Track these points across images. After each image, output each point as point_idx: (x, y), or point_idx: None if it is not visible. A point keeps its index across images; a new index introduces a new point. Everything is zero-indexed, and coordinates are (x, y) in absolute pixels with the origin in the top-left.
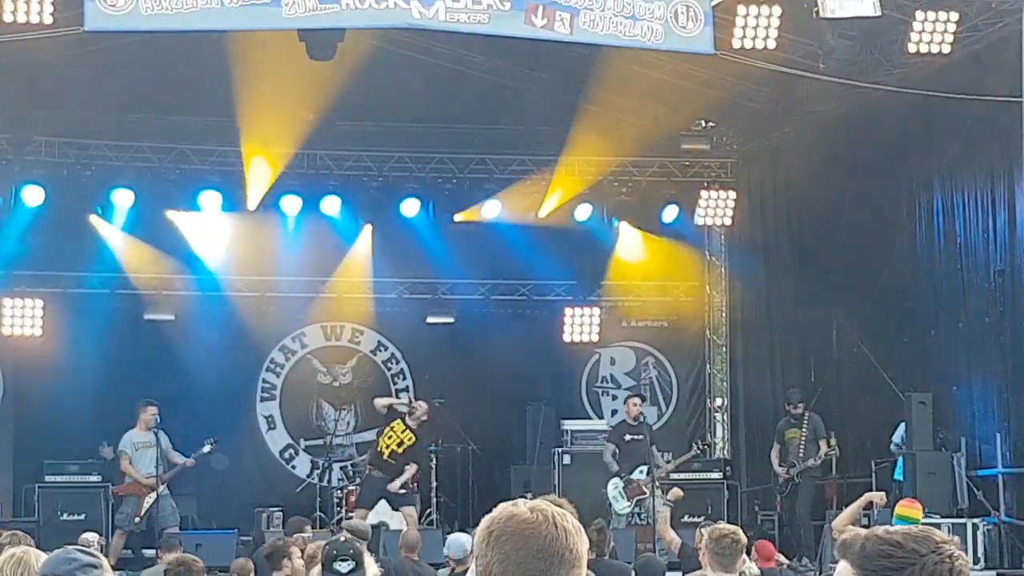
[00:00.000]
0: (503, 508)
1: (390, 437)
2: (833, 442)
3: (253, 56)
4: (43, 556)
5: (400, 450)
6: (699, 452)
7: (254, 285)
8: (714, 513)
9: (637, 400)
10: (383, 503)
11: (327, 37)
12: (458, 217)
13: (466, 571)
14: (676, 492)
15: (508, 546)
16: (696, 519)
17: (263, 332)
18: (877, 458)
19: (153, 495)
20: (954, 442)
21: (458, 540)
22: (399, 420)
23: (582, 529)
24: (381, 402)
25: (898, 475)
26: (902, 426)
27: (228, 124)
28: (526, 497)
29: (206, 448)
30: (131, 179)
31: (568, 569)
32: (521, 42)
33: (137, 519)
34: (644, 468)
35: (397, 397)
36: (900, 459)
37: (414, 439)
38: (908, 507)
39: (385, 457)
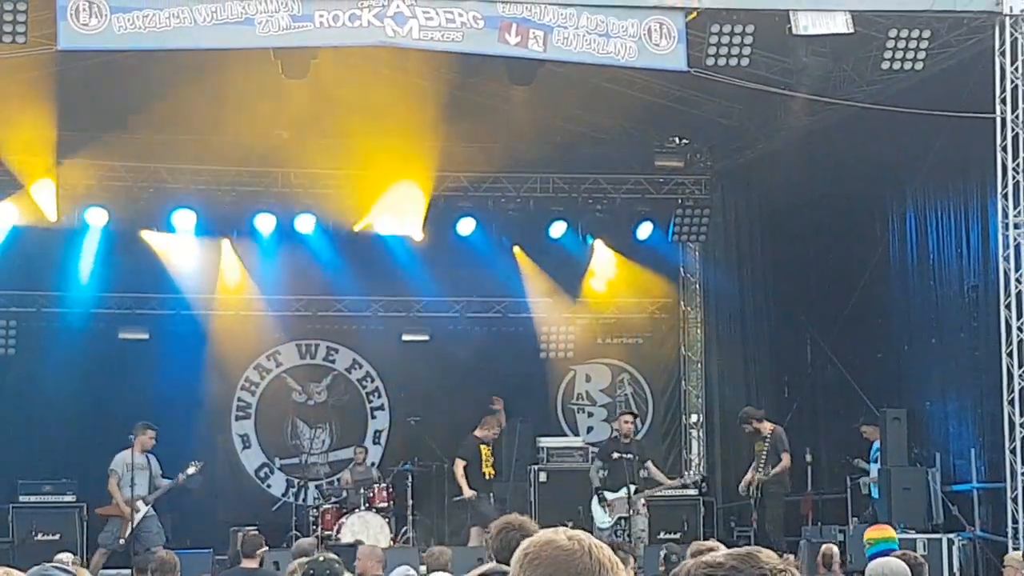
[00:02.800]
0: (542, 533)
1: (487, 462)
2: (809, 457)
3: (228, 74)
4: None
5: (493, 470)
6: (686, 484)
7: (228, 303)
8: (690, 529)
9: (629, 417)
10: (359, 522)
11: (300, 55)
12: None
13: None
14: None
15: (541, 570)
16: (672, 535)
17: (237, 351)
18: (852, 474)
19: (138, 516)
20: (929, 458)
21: (404, 571)
22: (482, 445)
23: (619, 565)
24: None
25: (874, 494)
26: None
27: (202, 143)
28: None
29: (191, 470)
30: (105, 198)
31: None
32: (496, 59)
33: (121, 540)
34: (628, 488)
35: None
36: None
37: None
38: (878, 531)
39: (488, 478)
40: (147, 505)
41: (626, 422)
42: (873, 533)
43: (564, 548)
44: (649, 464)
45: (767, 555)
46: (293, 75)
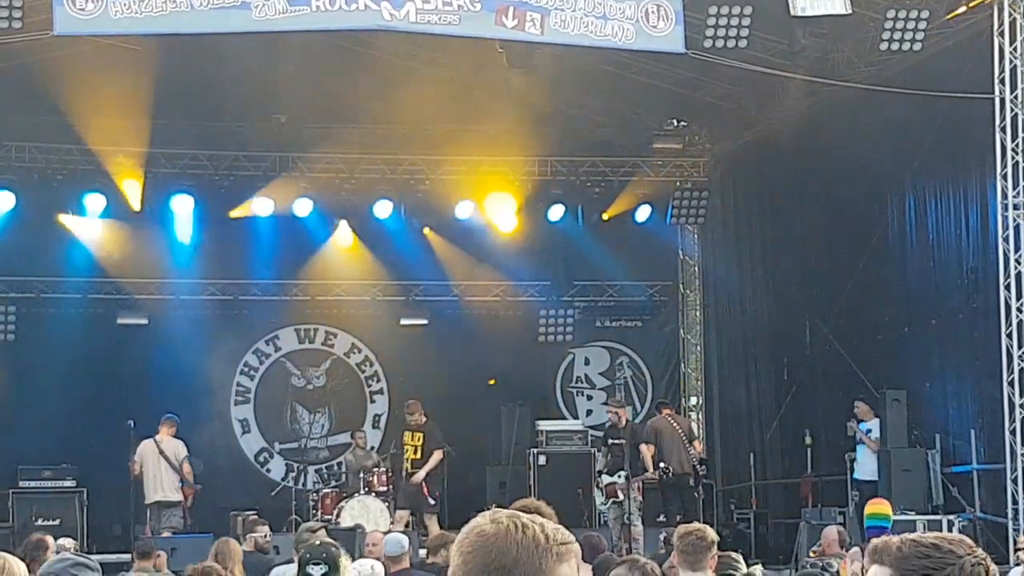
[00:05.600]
0: (473, 520)
1: (406, 450)
2: (808, 439)
3: (226, 59)
4: (22, 565)
5: (418, 456)
6: (663, 476)
7: (227, 288)
8: (689, 512)
9: (613, 408)
10: (358, 506)
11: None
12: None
13: (402, 570)
14: None
15: (468, 557)
16: (668, 519)
17: (236, 335)
18: (853, 457)
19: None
20: (928, 439)
21: (395, 538)
22: (404, 433)
23: (558, 538)
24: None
25: (856, 475)
26: (876, 424)
27: (198, 128)
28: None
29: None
30: (103, 183)
31: None
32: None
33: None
34: (622, 473)
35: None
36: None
37: (422, 433)
38: (878, 505)
39: (409, 470)
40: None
41: (610, 412)
42: (871, 508)
43: (484, 533)
44: (642, 447)
45: (970, 541)
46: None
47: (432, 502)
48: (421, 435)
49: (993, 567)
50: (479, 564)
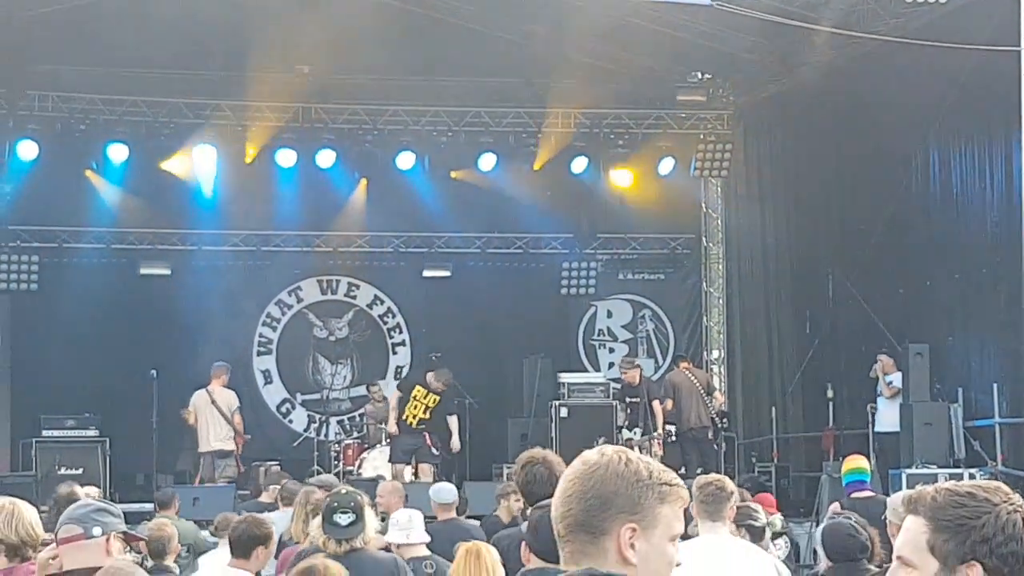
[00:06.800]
0: (582, 454)
1: (415, 406)
2: (831, 393)
3: (250, 9)
4: (32, 509)
5: (428, 416)
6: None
7: (250, 239)
8: (708, 465)
9: (626, 368)
10: (380, 457)
11: None
12: (454, 174)
13: (450, 519)
14: None
15: (576, 487)
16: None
17: (259, 286)
18: (874, 409)
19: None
20: (951, 393)
21: (447, 487)
22: (418, 386)
23: (662, 473)
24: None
25: (878, 428)
26: (898, 377)
27: (222, 78)
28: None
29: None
30: (126, 133)
31: (614, 514)
32: None
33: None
34: (639, 429)
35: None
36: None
37: (438, 399)
38: (855, 460)
39: (414, 426)
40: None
41: (623, 374)
42: (848, 464)
43: (588, 462)
44: (654, 404)
45: (1007, 488)
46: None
47: (436, 452)
48: (437, 398)
49: None
50: (578, 491)
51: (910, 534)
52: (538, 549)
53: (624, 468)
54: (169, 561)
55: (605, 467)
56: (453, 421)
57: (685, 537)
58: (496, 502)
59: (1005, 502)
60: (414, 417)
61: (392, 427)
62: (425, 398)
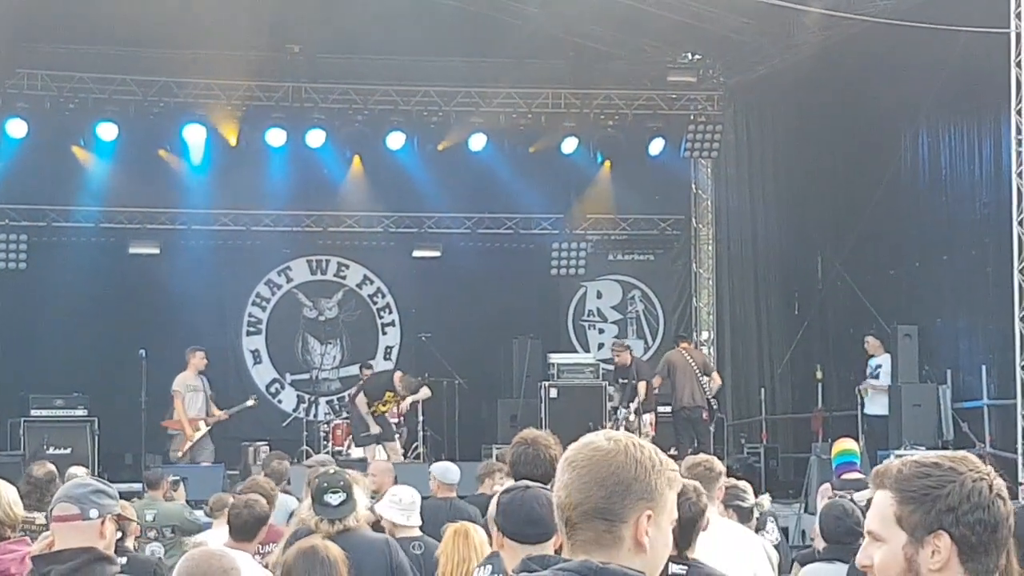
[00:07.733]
0: (584, 437)
1: (385, 404)
2: (819, 374)
3: None
4: (11, 488)
5: (385, 409)
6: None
7: (239, 219)
8: (700, 446)
9: (619, 350)
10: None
11: None
12: (441, 147)
13: (451, 498)
14: None
15: (580, 472)
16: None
17: (248, 266)
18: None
19: (197, 435)
20: (939, 374)
21: (450, 467)
22: (388, 392)
23: (663, 462)
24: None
25: (867, 410)
26: (886, 359)
27: (213, 56)
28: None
29: (249, 402)
30: (115, 112)
31: (634, 501)
32: None
33: (180, 454)
34: (631, 405)
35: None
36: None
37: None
38: (845, 443)
39: (378, 415)
40: (207, 426)
41: (615, 355)
42: (838, 446)
43: (601, 449)
44: (640, 385)
45: (975, 458)
46: None
47: (397, 432)
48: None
49: (999, 482)
50: (596, 477)
51: (878, 508)
52: (511, 532)
53: (640, 454)
54: (129, 543)
55: (624, 453)
56: (424, 392)
57: None
58: (479, 481)
59: (971, 471)
60: (381, 411)
61: (375, 428)
62: (394, 399)
